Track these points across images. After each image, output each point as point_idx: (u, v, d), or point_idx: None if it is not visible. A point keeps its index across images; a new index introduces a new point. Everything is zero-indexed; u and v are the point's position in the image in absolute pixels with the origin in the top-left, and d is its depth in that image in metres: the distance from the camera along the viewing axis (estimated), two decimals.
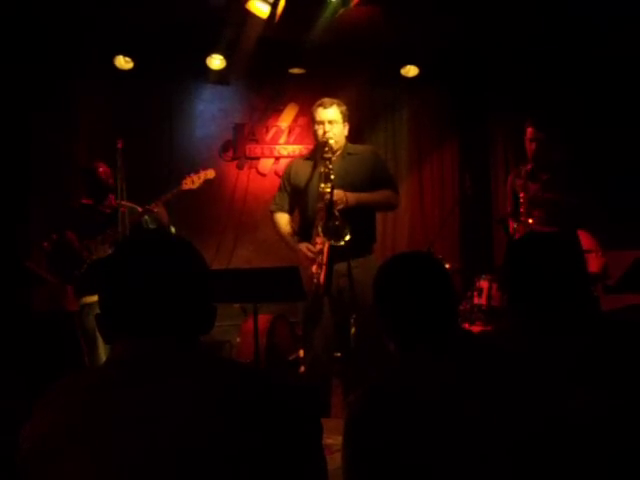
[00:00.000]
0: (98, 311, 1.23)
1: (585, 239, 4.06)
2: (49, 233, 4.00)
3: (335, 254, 3.43)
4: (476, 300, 4.70)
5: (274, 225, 3.84)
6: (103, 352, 3.80)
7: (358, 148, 3.81)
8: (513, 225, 4.14)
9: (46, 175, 5.31)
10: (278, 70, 5.90)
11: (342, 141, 3.66)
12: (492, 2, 4.88)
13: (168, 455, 1.07)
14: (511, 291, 1.80)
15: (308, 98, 4.87)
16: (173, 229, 4.09)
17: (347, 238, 3.35)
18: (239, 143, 6.23)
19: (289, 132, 6.30)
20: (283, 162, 5.99)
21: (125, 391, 1.13)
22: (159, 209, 4.01)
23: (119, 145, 3.79)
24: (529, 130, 4.20)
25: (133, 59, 5.43)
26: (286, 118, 6.31)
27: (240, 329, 5.08)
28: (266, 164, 6.29)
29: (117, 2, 4.73)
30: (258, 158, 6.29)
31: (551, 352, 1.58)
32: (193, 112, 6.09)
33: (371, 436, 1.35)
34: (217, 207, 5.98)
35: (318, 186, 3.48)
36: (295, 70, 5.92)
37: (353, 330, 3.71)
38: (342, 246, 3.37)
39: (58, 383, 1.20)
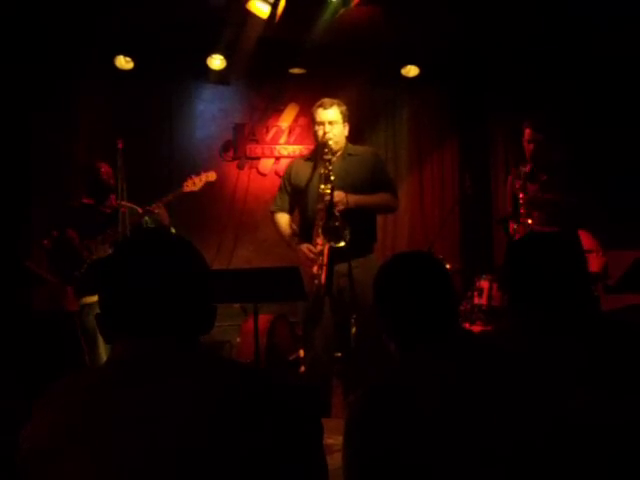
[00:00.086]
0: (98, 311, 1.23)
1: (585, 239, 4.06)
2: (49, 231, 3.99)
3: (335, 254, 3.43)
4: (476, 300, 4.70)
5: (275, 226, 3.85)
6: (103, 352, 3.80)
7: (358, 149, 3.81)
8: (513, 226, 4.14)
9: (46, 175, 5.31)
10: (278, 70, 5.90)
11: (342, 142, 3.66)
12: (492, 2, 4.88)
13: (168, 455, 1.07)
14: (511, 291, 1.80)
15: (308, 98, 4.87)
16: (173, 230, 4.08)
17: (347, 239, 3.35)
18: (239, 143, 6.23)
19: (289, 132, 6.30)
20: (283, 162, 5.99)
21: (125, 391, 1.13)
22: (160, 210, 4.01)
23: (119, 145, 3.79)
24: (527, 131, 4.20)
25: (133, 59, 5.43)
26: (286, 118, 6.31)
27: (240, 329, 5.08)
28: (266, 164, 6.29)
29: (117, 2, 4.73)
30: (258, 158, 6.28)
31: (551, 352, 1.58)
32: (193, 112, 6.09)
33: (371, 436, 1.35)
34: (217, 207, 5.98)
35: (318, 187, 3.48)
36: (295, 70, 5.92)
37: (353, 330, 3.71)
38: (342, 247, 3.37)
39: (58, 383, 1.20)
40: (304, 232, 3.67)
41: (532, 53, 5.40)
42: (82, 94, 5.56)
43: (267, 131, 6.29)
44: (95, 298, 1.30)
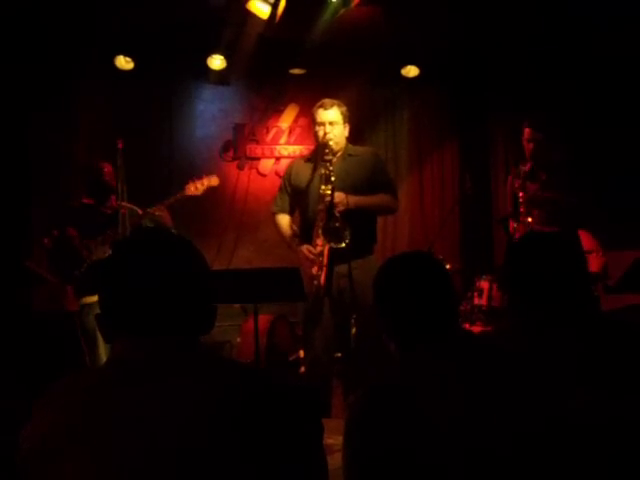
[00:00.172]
0: (98, 311, 1.23)
1: (585, 239, 4.06)
2: (50, 230, 3.99)
3: (336, 255, 3.43)
4: (476, 301, 4.71)
5: (276, 226, 3.85)
6: (103, 352, 3.80)
7: (359, 149, 3.80)
8: (513, 225, 4.14)
9: (46, 175, 5.31)
10: (278, 70, 5.90)
11: (343, 142, 3.66)
12: (492, 2, 4.88)
13: (168, 455, 1.07)
14: (511, 291, 1.80)
15: (309, 98, 4.87)
16: (174, 231, 4.07)
17: (347, 240, 3.35)
18: (239, 143, 6.23)
19: (289, 132, 6.30)
20: (284, 162, 5.99)
21: (125, 391, 1.13)
22: (161, 212, 4.01)
23: (119, 145, 3.78)
24: (526, 131, 4.21)
25: (133, 59, 5.43)
26: (286, 118, 6.31)
27: (240, 329, 5.08)
28: (267, 164, 6.29)
29: (117, 2, 4.73)
30: (258, 158, 6.28)
31: (551, 352, 1.58)
32: (193, 112, 6.09)
33: (371, 436, 1.35)
34: (218, 207, 5.97)
35: (319, 187, 3.48)
36: (296, 70, 5.92)
37: (353, 330, 3.71)
38: (342, 248, 3.37)
39: (58, 383, 1.20)
40: (304, 233, 3.67)
41: (532, 53, 5.40)
42: (82, 94, 5.56)
43: (267, 131, 6.29)
44: (95, 298, 1.30)
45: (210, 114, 6.12)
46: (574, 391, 1.45)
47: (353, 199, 3.48)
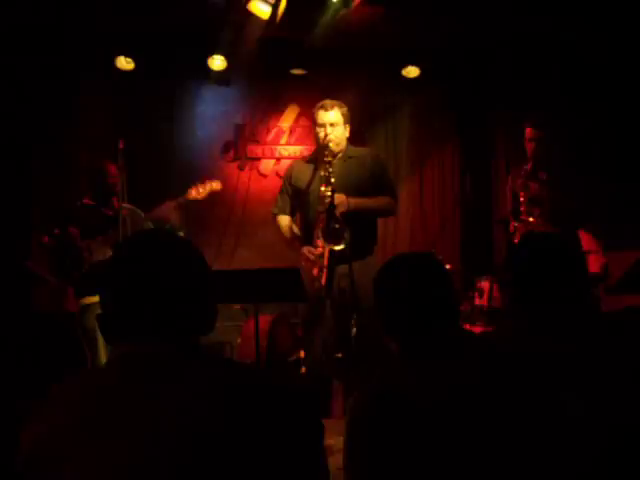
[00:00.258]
0: (99, 311, 1.23)
1: (585, 239, 4.06)
2: (51, 228, 3.98)
3: (336, 256, 3.43)
4: (477, 301, 4.71)
5: (277, 228, 3.85)
6: (103, 352, 3.79)
7: (360, 151, 3.80)
8: (513, 224, 4.14)
9: (46, 175, 5.32)
10: (279, 71, 5.90)
11: (343, 143, 3.65)
12: (492, 2, 4.88)
13: (168, 455, 1.06)
14: (512, 291, 1.80)
15: (309, 99, 4.87)
16: (182, 234, 4.07)
17: (347, 242, 3.35)
18: (240, 144, 6.23)
19: (290, 133, 6.31)
20: (284, 163, 5.99)
21: (126, 392, 1.13)
22: (166, 213, 4.01)
23: (120, 145, 3.78)
24: (528, 130, 4.20)
25: (134, 60, 5.44)
26: (287, 119, 6.31)
27: (241, 330, 5.07)
28: (267, 165, 6.30)
29: (118, 2, 4.73)
30: (259, 159, 6.29)
31: (551, 352, 1.58)
32: (194, 113, 6.08)
33: (372, 437, 1.35)
34: (218, 208, 5.97)
35: (319, 189, 3.48)
36: (296, 71, 5.91)
37: (354, 331, 3.71)
38: (342, 250, 3.37)
39: (58, 385, 1.20)
40: (305, 234, 3.67)
41: (532, 53, 5.40)
42: (83, 94, 5.56)
43: (268, 132, 6.30)
44: (95, 299, 1.31)
45: (211, 114, 6.12)
46: (574, 391, 1.45)
47: (353, 201, 3.48)
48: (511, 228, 4.16)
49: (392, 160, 6.20)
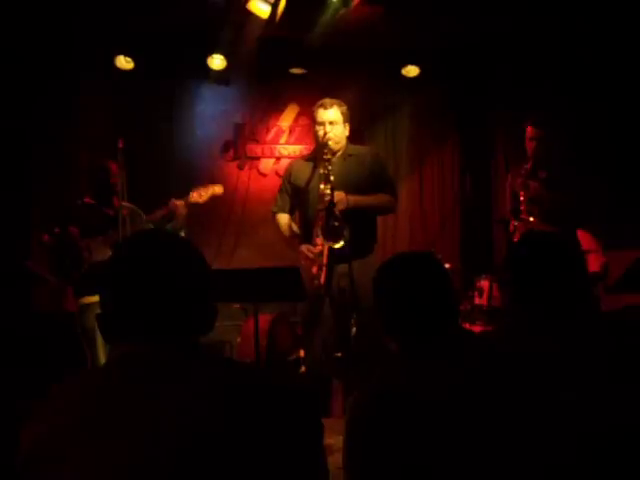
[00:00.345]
0: (98, 311, 1.23)
1: (585, 238, 4.06)
2: (51, 227, 3.97)
3: (336, 254, 3.43)
4: (477, 300, 4.71)
5: (276, 226, 3.85)
6: (102, 352, 3.79)
7: (359, 149, 3.80)
8: (513, 223, 4.14)
9: (46, 175, 5.32)
10: (279, 70, 5.90)
11: (343, 142, 3.66)
12: (492, 2, 4.88)
13: (168, 455, 1.06)
14: (511, 291, 1.80)
15: (309, 98, 4.87)
16: (182, 233, 4.06)
17: (346, 240, 3.35)
18: (240, 143, 6.24)
19: (290, 132, 6.31)
20: (284, 162, 5.99)
21: (125, 392, 1.13)
22: (174, 208, 4.02)
23: (120, 145, 3.78)
24: (528, 129, 4.20)
25: (134, 59, 5.44)
26: (287, 118, 6.32)
27: (240, 329, 5.08)
28: (267, 164, 6.30)
29: (118, 2, 4.73)
30: (259, 158, 6.29)
31: (551, 352, 1.58)
32: (194, 112, 6.08)
33: (372, 436, 1.35)
34: (218, 207, 5.95)
35: (318, 187, 3.48)
36: (296, 70, 5.92)
37: (354, 330, 3.71)
38: (341, 248, 3.37)
39: (58, 385, 1.20)
40: (304, 232, 3.67)
41: (532, 53, 5.40)
42: (82, 94, 5.56)
43: (267, 131, 6.30)
44: (94, 298, 1.31)
45: (210, 114, 6.12)
46: (574, 391, 1.45)
47: (353, 198, 3.48)
48: (511, 227, 4.16)
49: (392, 159, 6.21)
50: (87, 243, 3.95)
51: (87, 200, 4.13)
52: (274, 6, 4.65)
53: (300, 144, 6.25)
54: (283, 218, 3.82)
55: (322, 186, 3.44)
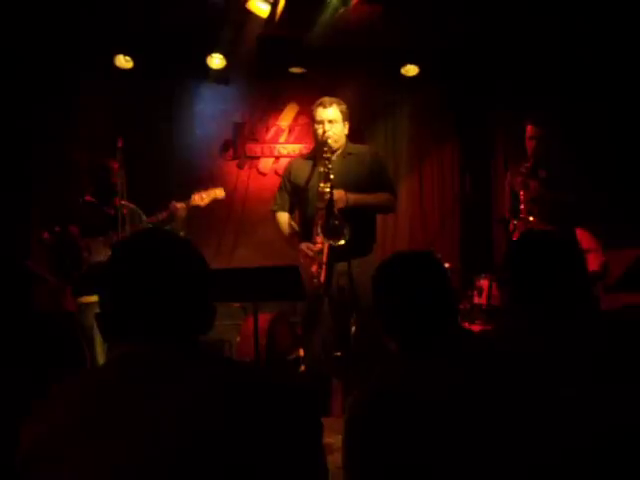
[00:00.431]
0: (97, 310, 1.23)
1: (585, 238, 4.06)
2: (51, 225, 3.97)
3: (335, 253, 3.43)
4: (476, 299, 4.70)
5: (276, 225, 3.85)
6: (101, 351, 3.79)
7: (359, 148, 3.81)
8: (513, 222, 4.14)
9: (46, 175, 5.31)
10: (278, 69, 5.90)
11: (342, 140, 3.66)
12: (492, 2, 4.88)
13: (168, 455, 1.06)
14: (511, 290, 1.80)
15: (308, 97, 4.86)
16: (182, 233, 4.06)
17: (346, 238, 3.35)
18: (239, 142, 6.23)
19: (289, 131, 6.31)
20: (283, 161, 5.99)
21: (125, 392, 1.13)
22: (174, 210, 4.02)
23: (119, 144, 3.78)
24: (528, 128, 4.20)
25: (133, 58, 5.43)
26: (286, 117, 6.31)
27: (240, 328, 5.08)
28: (266, 163, 6.30)
29: (117, 2, 4.73)
30: (258, 157, 6.29)
31: (551, 351, 1.58)
32: (193, 111, 6.08)
33: (371, 436, 1.35)
34: (217, 206, 5.93)
35: (318, 185, 3.49)
36: (295, 69, 5.91)
37: (353, 329, 3.71)
38: (342, 246, 3.37)
39: (58, 385, 1.20)
40: (304, 231, 3.67)
41: (532, 53, 5.40)
42: (82, 94, 5.56)
43: (267, 130, 6.30)
44: (93, 298, 1.31)
45: (210, 113, 6.11)
46: (574, 390, 1.45)
47: (352, 197, 3.48)
48: (511, 227, 4.16)
49: (391, 158, 6.20)
50: (87, 243, 3.95)
51: (88, 198, 4.13)
52: (273, 5, 4.66)
53: (300, 143, 6.25)
54: (283, 217, 3.82)
55: (322, 184, 3.44)
